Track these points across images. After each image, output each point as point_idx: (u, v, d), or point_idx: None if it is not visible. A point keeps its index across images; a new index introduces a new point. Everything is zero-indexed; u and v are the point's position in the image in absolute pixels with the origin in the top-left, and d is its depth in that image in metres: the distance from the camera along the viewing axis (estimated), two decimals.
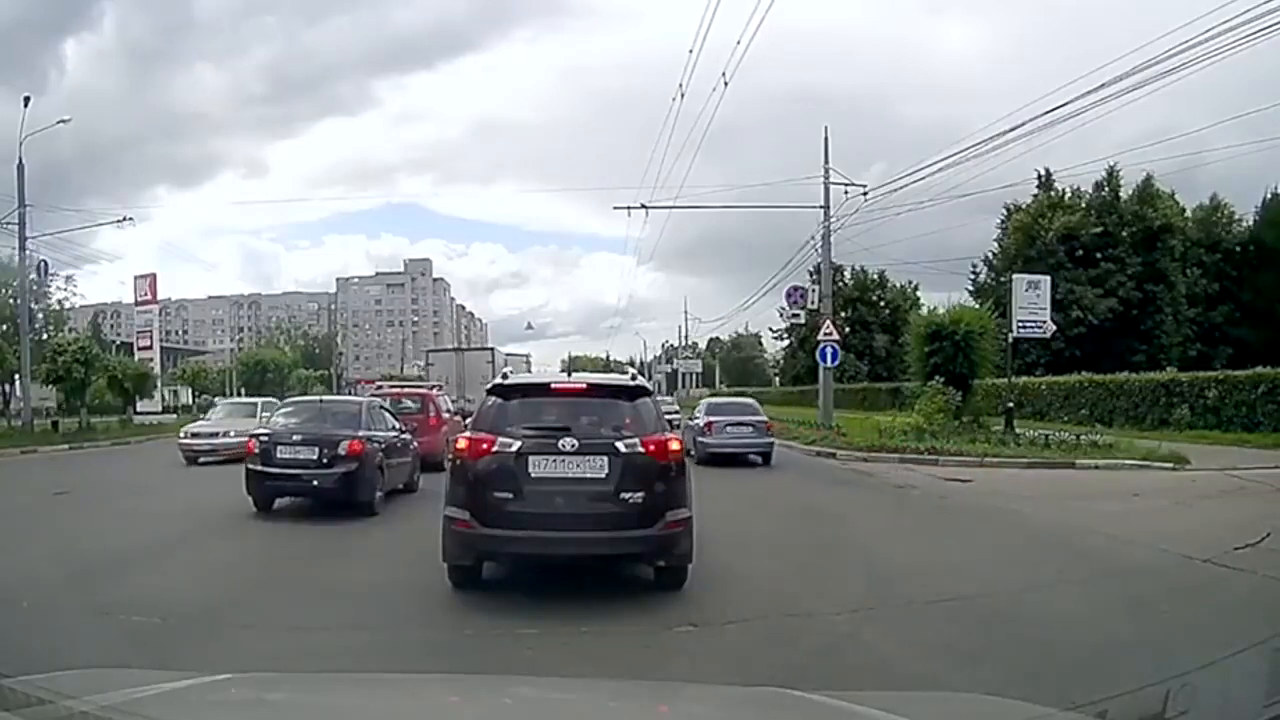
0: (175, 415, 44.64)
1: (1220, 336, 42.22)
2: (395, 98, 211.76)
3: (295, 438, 11.43)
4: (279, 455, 11.29)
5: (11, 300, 35.89)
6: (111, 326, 78.58)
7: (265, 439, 11.58)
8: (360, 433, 11.58)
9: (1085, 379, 29.81)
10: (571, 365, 27.72)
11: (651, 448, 6.51)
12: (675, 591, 6.65)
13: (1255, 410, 21.59)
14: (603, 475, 6.35)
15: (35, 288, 35.90)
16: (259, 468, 11.36)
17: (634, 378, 7.45)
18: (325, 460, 11.12)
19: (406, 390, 21.18)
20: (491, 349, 42.80)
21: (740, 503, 11.90)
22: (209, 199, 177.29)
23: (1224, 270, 44.05)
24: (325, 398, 16.62)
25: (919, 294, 57.15)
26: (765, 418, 19.51)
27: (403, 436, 13.27)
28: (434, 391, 19.94)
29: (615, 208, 31.25)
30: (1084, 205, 44.12)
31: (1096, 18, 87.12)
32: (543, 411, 6.89)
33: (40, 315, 39.73)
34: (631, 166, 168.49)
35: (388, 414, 13.59)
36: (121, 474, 18.40)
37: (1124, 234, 42.65)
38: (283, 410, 13.10)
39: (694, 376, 76.79)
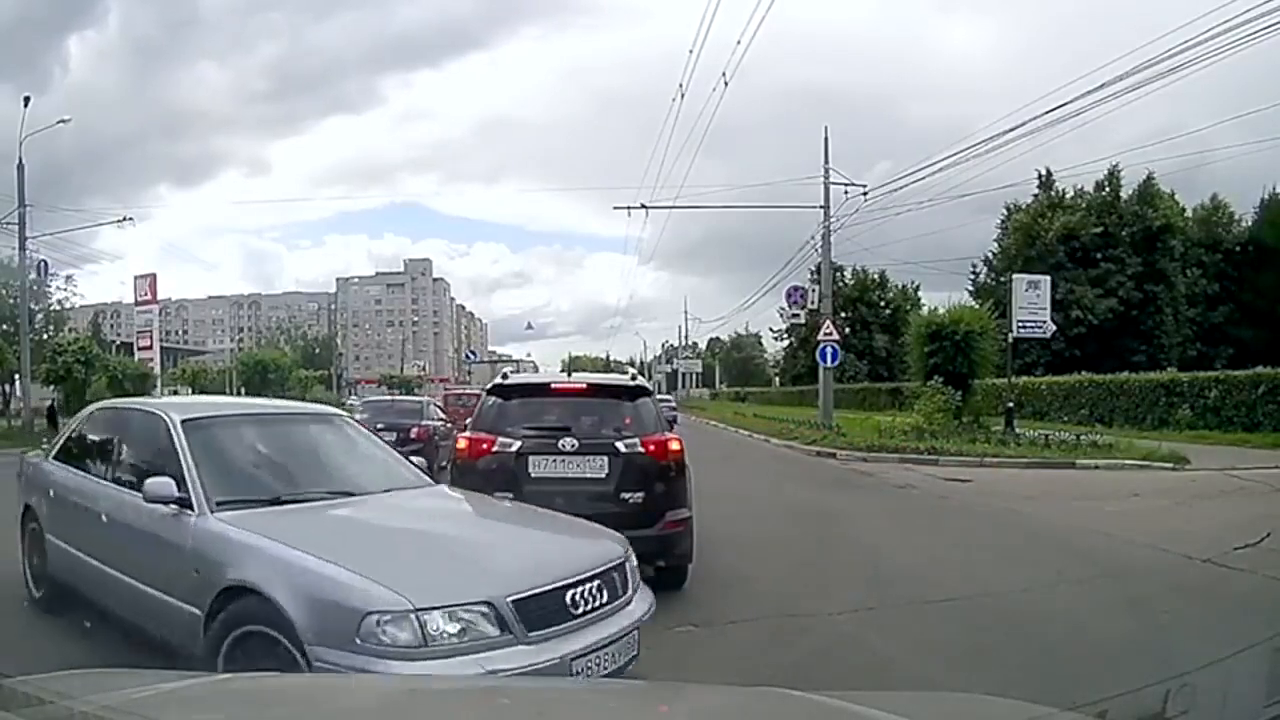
0: None
1: (1220, 336, 42.24)
2: (400, 96, 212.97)
3: (379, 425, 14.10)
4: None
5: (11, 300, 35.89)
6: (111, 326, 78.51)
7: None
8: (423, 422, 15.76)
9: (1085, 379, 29.82)
10: (571, 365, 28.09)
11: (651, 448, 6.51)
12: (675, 591, 6.64)
13: (1255, 410, 21.60)
14: (603, 475, 6.36)
15: (35, 288, 35.93)
16: None
17: (634, 378, 7.47)
18: (399, 440, 13.86)
19: (468, 391, 30.33)
20: (517, 361, 50.23)
21: (740, 502, 11.89)
22: (210, 198, 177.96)
23: (1224, 270, 44.06)
24: (396, 397, 23.31)
25: (920, 294, 57.24)
26: (674, 402, 43.15)
27: (446, 425, 16.71)
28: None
29: (615, 208, 31.28)
30: (1084, 205, 44.12)
31: (1105, 16, 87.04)
32: (543, 411, 6.89)
33: (40, 315, 39.77)
34: (635, 166, 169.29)
35: (437, 408, 18.59)
36: None
37: (1124, 234, 42.66)
38: (364, 408, 17.93)
39: (694, 376, 76.87)
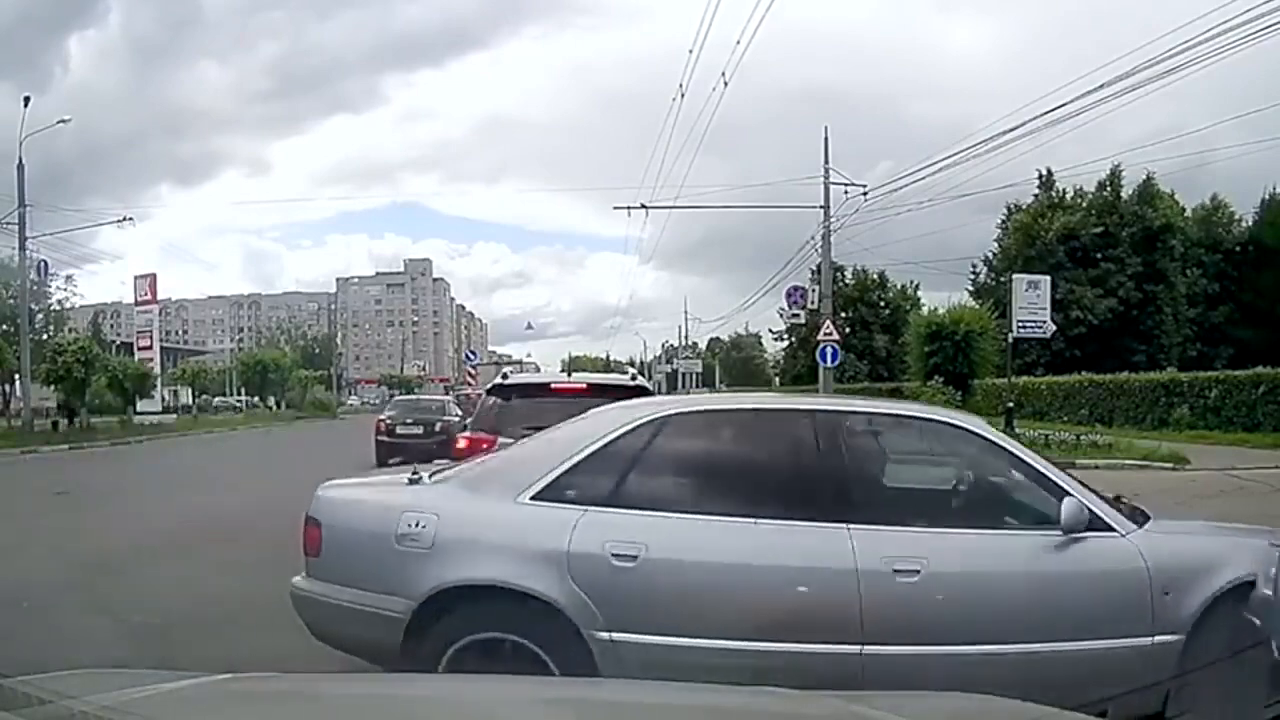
0: (175, 415, 44.72)
1: (1220, 336, 42.21)
2: (402, 95, 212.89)
3: (409, 420, 18.54)
4: (399, 431, 18.17)
5: (11, 300, 35.92)
6: (111, 326, 78.58)
7: (390, 421, 18.60)
8: (445, 417, 18.68)
9: (1085, 379, 29.84)
10: (571, 365, 28.11)
11: None
12: None
13: (1255, 410, 21.63)
14: None
15: (35, 288, 35.97)
16: (386, 439, 17.75)
17: (634, 377, 7.49)
18: (426, 433, 17.56)
19: (475, 391, 31.53)
20: (519, 362, 51.86)
21: None
22: (211, 198, 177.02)
23: (1224, 270, 44.03)
24: (422, 397, 26.44)
25: (920, 294, 57.15)
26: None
27: (464, 420, 21.15)
28: None
29: (615, 208, 31.19)
30: (1084, 205, 44.10)
31: (1105, 16, 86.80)
32: (543, 411, 6.86)
33: (40, 315, 39.81)
34: (635, 166, 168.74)
35: (454, 405, 21.56)
36: (121, 474, 18.39)
37: (1124, 234, 42.61)
38: (394, 406, 21.44)
39: (694, 376, 76.76)
